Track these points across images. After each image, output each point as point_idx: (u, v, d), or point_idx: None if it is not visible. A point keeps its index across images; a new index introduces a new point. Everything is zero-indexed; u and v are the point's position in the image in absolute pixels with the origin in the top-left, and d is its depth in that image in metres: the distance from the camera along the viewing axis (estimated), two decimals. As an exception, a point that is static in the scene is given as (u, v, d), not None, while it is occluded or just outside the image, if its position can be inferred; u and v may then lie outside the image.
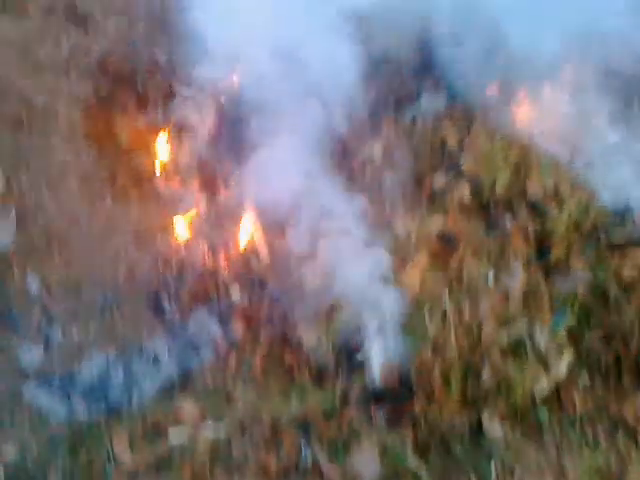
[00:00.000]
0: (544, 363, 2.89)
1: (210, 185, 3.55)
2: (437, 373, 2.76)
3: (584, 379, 2.95)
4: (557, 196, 3.17)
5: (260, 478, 2.61)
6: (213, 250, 3.35)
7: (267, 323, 3.09)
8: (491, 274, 2.88)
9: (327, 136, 3.19)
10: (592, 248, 3.15)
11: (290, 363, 2.99)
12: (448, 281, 2.88)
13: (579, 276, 3.03)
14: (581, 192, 3.27)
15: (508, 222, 3.01)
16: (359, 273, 2.81)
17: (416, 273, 2.82)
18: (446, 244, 2.96)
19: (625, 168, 3.65)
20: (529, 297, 2.95)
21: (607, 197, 3.42)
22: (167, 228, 3.44)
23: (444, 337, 2.80)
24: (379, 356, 2.82)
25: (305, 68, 3.13)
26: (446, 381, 2.78)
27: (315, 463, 2.69)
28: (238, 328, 3.10)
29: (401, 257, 2.90)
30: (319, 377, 2.96)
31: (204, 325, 3.12)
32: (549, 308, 2.99)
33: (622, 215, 3.35)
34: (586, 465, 2.72)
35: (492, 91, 3.61)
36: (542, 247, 3.09)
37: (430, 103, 3.49)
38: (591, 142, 3.78)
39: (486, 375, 2.78)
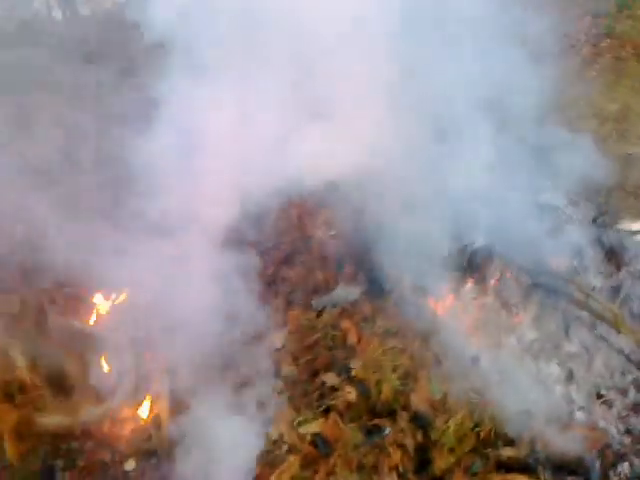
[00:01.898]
0: None
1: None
2: None
3: None
4: (445, 406, 3.17)
5: None
6: (115, 420, 3.41)
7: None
8: (359, 484, 2.87)
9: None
10: (479, 466, 3.12)
11: None
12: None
13: (458, 495, 2.99)
14: (474, 404, 3.27)
15: (387, 432, 3.00)
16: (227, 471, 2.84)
17: (282, 477, 2.82)
18: (319, 450, 2.97)
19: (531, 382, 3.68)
20: (400, 514, 2.91)
21: (507, 411, 3.43)
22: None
23: None
24: None
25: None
26: None
27: None
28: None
29: (271, 462, 2.91)
30: None
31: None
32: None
33: (518, 433, 3.33)
34: None
35: (407, 285, 3.72)
36: (423, 459, 3.06)
37: (344, 294, 3.60)
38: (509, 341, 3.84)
39: None
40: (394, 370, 3.22)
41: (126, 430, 3.42)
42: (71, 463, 3.30)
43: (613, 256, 4.78)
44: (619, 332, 3.86)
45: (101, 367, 3.58)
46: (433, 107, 3.91)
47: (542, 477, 3.05)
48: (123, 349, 3.65)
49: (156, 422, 3.41)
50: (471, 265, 3.93)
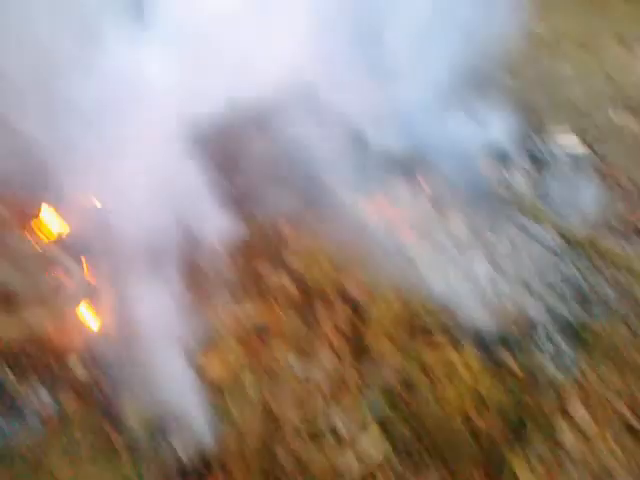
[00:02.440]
0: (352, 449, 3.07)
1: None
2: (236, 453, 2.94)
3: (396, 464, 3.13)
4: (377, 292, 3.40)
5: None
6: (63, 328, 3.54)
7: (98, 397, 3.25)
8: (297, 363, 3.09)
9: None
10: (408, 338, 3.38)
11: (113, 437, 3.15)
12: (255, 368, 3.08)
13: (390, 366, 3.24)
14: (405, 289, 3.52)
15: (323, 315, 3.22)
16: (167, 359, 3.03)
17: (223, 360, 3.03)
18: (259, 333, 3.18)
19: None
20: (336, 386, 3.15)
21: (435, 290, 3.70)
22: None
23: (245, 420, 2.98)
24: (185, 435, 3.00)
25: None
26: (244, 460, 2.96)
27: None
28: (70, 400, 3.26)
29: (212, 345, 3.11)
30: (136, 451, 3.12)
31: (37, 396, 3.28)
32: (359, 396, 3.19)
33: (444, 311, 3.60)
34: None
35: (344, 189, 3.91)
36: (356, 338, 3.30)
37: (283, 202, 3.78)
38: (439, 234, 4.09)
39: (282, 456, 2.96)
40: (329, 261, 3.42)
41: (75, 337, 3.55)
42: (20, 370, 3.41)
43: (540, 164, 5.05)
44: (539, 222, 4.13)
45: (48, 280, 3.69)
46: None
47: (461, 342, 3.31)
48: (69, 262, 3.76)
49: (103, 328, 3.54)
50: (404, 169, 4.14)
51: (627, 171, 5.18)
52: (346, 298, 3.34)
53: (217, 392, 3.10)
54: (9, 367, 3.38)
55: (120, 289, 3.46)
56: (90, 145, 3.64)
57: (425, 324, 3.49)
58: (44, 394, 3.27)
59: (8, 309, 3.55)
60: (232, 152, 3.98)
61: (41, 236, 3.88)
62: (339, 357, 3.20)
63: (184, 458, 3.02)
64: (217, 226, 3.54)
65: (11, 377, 3.34)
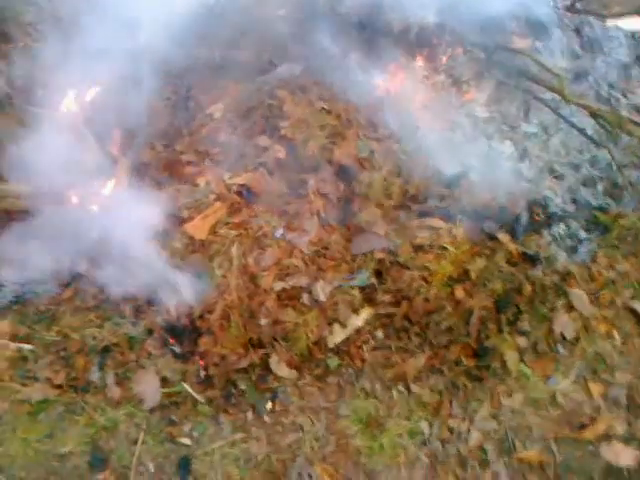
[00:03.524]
0: (333, 314, 3.10)
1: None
2: (217, 315, 3.03)
3: (378, 336, 3.15)
4: (371, 163, 3.30)
5: (47, 389, 2.99)
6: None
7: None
8: (281, 228, 3.09)
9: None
10: (404, 217, 3.29)
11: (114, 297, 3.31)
12: (241, 233, 3.11)
13: (378, 238, 3.18)
14: (403, 163, 3.39)
15: (311, 183, 3.18)
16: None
17: (206, 222, 3.07)
18: (244, 198, 3.18)
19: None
20: (319, 255, 3.14)
21: (442, 170, 3.55)
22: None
23: (228, 282, 3.05)
24: (174, 295, 3.11)
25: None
26: (227, 323, 3.05)
27: (103, 383, 3.05)
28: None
29: (197, 208, 3.15)
30: (137, 311, 3.28)
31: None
32: (345, 267, 3.18)
33: (450, 188, 3.47)
34: (357, 410, 2.95)
35: (353, 62, 3.74)
36: (347, 210, 3.25)
37: (287, 71, 3.67)
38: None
39: (264, 321, 3.02)
40: (321, 129, 3.33)
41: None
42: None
43: (589, 43, 4.61)
44: (572, 102, 3.80)
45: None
46: None
47: (459, 222, 3.19)
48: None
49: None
50: (421, 41, 3.88)
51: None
52: (337, 167, 3.26)
53: (203, 256, 3.16)
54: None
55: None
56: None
57: (424, 202, 3.37)
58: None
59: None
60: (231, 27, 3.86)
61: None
62: (325, 225, 3.16)
63: (176, 322, 3.13)
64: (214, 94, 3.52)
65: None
